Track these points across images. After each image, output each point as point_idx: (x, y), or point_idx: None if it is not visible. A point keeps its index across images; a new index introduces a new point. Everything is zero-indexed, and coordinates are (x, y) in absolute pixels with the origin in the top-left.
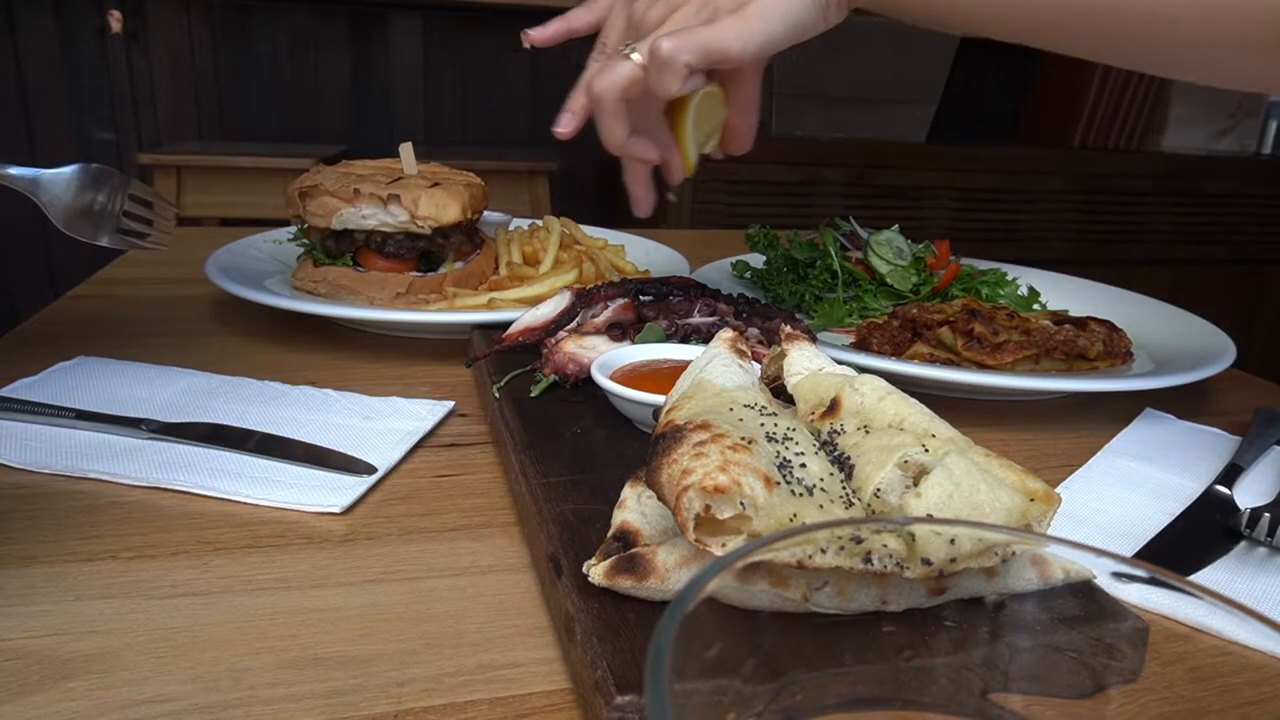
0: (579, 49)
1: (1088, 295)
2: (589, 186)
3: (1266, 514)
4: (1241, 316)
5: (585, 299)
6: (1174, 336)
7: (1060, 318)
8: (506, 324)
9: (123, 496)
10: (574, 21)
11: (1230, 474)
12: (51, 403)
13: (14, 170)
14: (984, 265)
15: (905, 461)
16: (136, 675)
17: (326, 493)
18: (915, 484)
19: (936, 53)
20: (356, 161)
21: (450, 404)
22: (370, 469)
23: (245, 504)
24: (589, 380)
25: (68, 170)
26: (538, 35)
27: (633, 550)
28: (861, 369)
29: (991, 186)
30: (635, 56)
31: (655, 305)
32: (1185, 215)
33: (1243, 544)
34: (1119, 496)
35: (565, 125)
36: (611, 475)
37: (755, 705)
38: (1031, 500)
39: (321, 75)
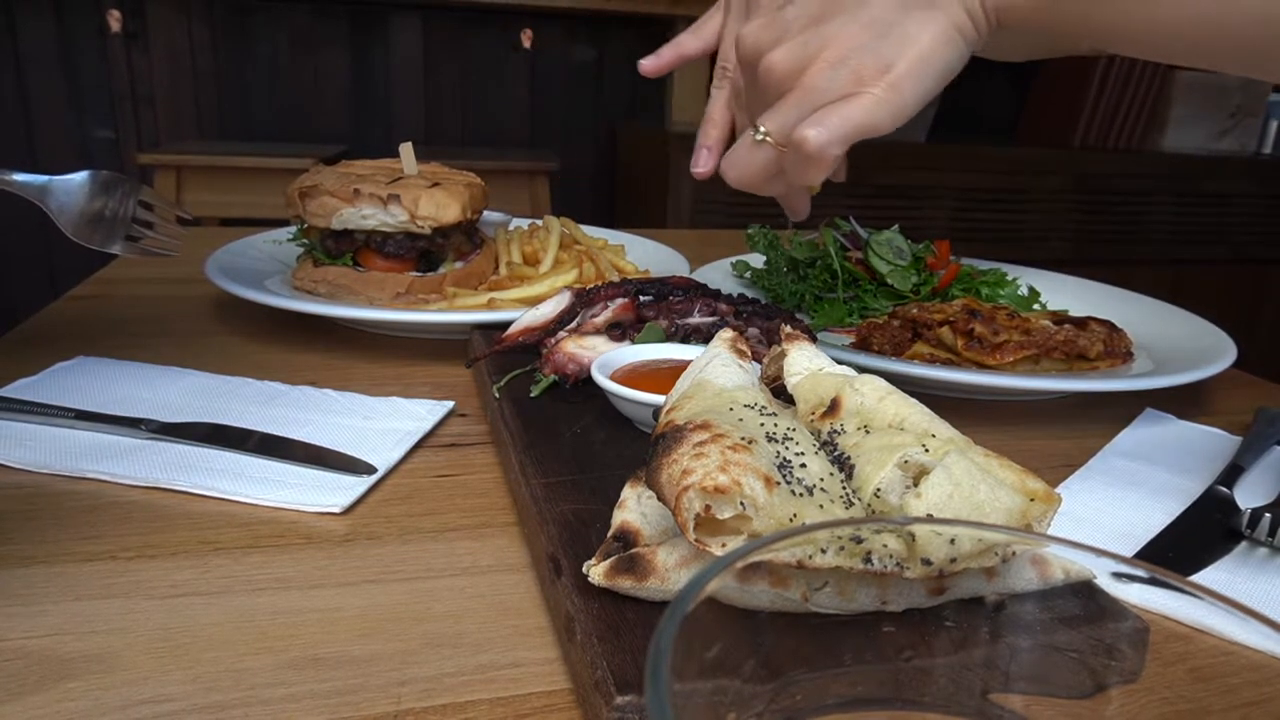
0: (578, 48)
1: (1088, 295)
2: (589, 186)
3: (1267, 514)
4: (1241, 316)
5: (585, 299)
6: (1174, 336)
7: (1060, 318)
8: (506, 324)
9: (123, 496)
10: (685, 48)
11: (1231, 474)
12: (51, 403)
13: (21, 177)
14: (984, 265)
15: (905, 461)
16: (136, 675)
17: (326, 493)
18: (915, 484)
19: None
20: (356, 161)
21: (450, 404)
22: (370, 469)
23: (245, 504)
24: (589, 380)
25: (77, 177)
26: (651, 66)
27: (633, 550)
28: (861, 369)
29: (991, 186)
30: (768, 140)
31: (655, 305)
32: (1185, 215)
33: (1243, 544)
34: (1119, 496)
35: (703, 165)
36: (611, 475)
37: (755, 705)
38: (1031, 500)
39: (321, 75)
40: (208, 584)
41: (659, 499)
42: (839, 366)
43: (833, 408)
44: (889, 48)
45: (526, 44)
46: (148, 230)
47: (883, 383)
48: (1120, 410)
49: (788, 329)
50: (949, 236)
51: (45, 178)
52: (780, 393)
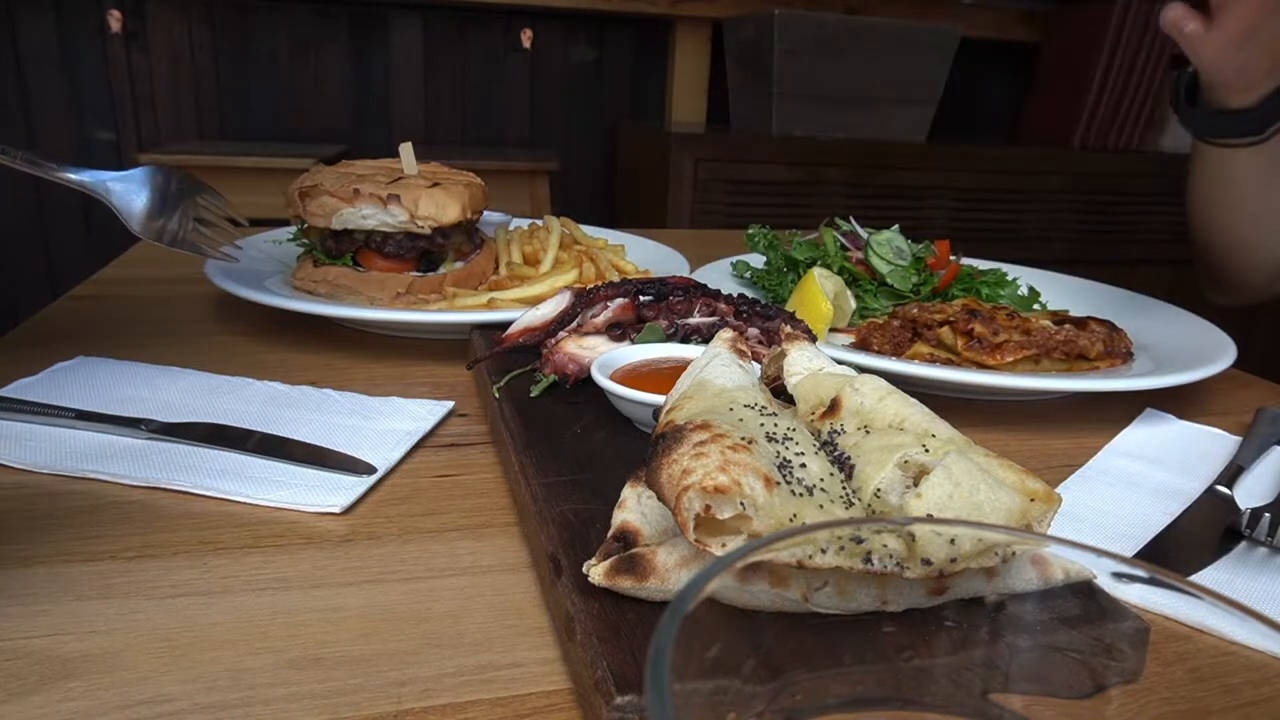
0: (578, 48)
1: (1088, 295)
2: (589, 186)
3: (1267, 514)
4: (1241, 317)
5: (585, 299)
6: (1174, 336)
7: (1060, 318)
8: (506, 324)
9: (123, 496)
10: None
11: (1231, 474)
12: (51, 403)
13: (83, 175)
14: (984, 265)
15: (905, 461)
16: (136, 675)
17: (326, 493)
18: (915, 484)
19: (936, 53)
20: (356, 161)
21: (450, 404)
22: (370, 469)
23: (245, 504)
24: (589, 380)
25: (138, 174)
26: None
27: (633, 550)
28: (861, 369)
29: (991, 186)
30: None
31: (655, 305)
32: (1185, 215)
33: (1243, 544)
34: (1119, 496)
35: None
36: (611, 475)
37: (755, 705)
38: (1032, 500)
39: (321, 75)
40: (208, 584)
41: (659, 499)
42: (839, 366)
43: (833, 408)
44: None
45: (526, 44)
46: (209, 230)
47: (883, 383)
48: (1120, 410)
49: (788, 329)
50: (949, 236)
51: (106, 175)
52: (780, 393)
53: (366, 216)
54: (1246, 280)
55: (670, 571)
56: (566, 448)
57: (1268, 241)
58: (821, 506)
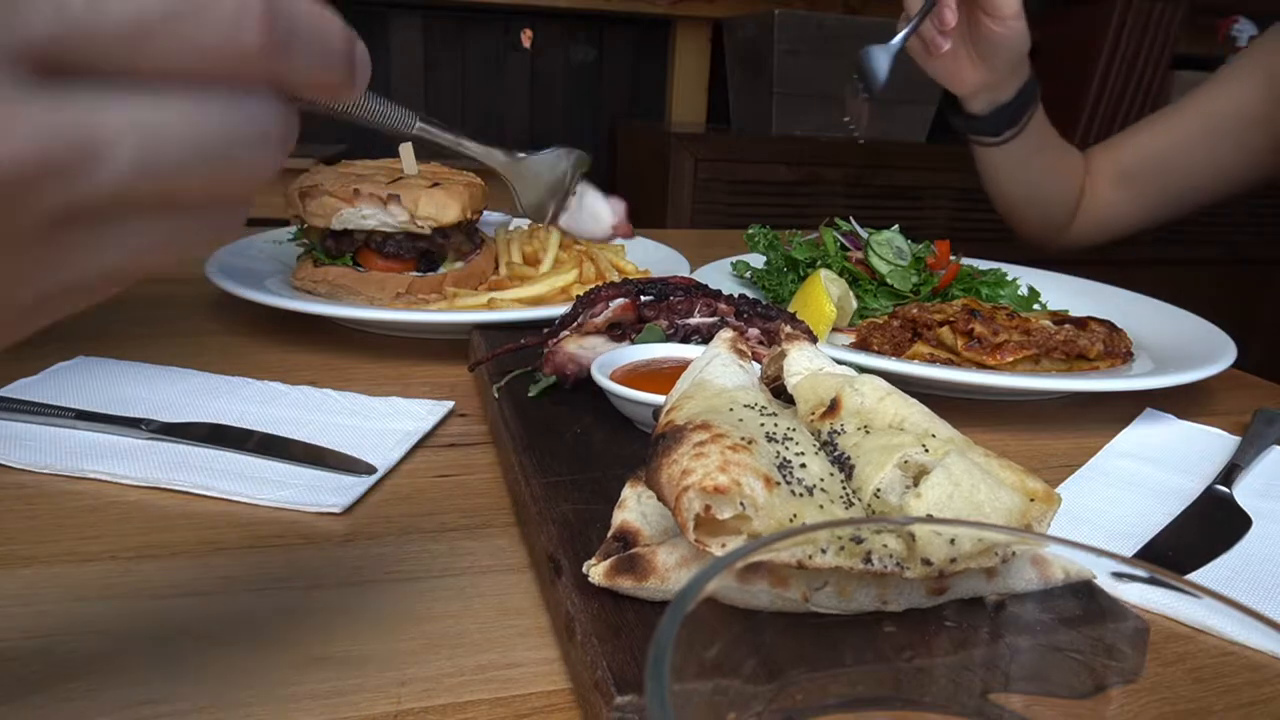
0: (578, 48)
1: (1088, 295)
2: None
3: None
4: (1241, 316)
5: (585, 299)
6: (1174, 336)
7: (1060, 318)
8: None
9: (123, 496)
10: None
11: (1230, 474)
12: (51, 403)
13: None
14: (984, 265)
15: (905, 461)
16: (136, 675)
17: (326, 493)
18: (915, 484)
19: None
20: (356, 161)
21: (450, 404)
22: (370, 469)
23: (245, 504)
24: (589, 380)
25: (547, 157)
26: None
27: (633, 550)
28: (861, 369)
29: None
30: None
31: (655, 305)
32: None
33: (1243, 543)
34: (1119, 496)
35: None
36: (611, 475)
37: (755, 705)
38: (1032, 500)
39: None
40: (208, 584)
41: (659, 499)
42: (839, 367)
43: (833, 408)
44: None
45: (526, 43)
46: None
47: (883, 383)
48: (1120, 410)
49: (788, 329)
50: (949, 236)
51: (516, 155)
52: (780, 393)
53: (366, 216)
54: (1036, 234)
55: (670, 571)
56: (566, 448)
57: (1041, 211)
58: (821, 506)
